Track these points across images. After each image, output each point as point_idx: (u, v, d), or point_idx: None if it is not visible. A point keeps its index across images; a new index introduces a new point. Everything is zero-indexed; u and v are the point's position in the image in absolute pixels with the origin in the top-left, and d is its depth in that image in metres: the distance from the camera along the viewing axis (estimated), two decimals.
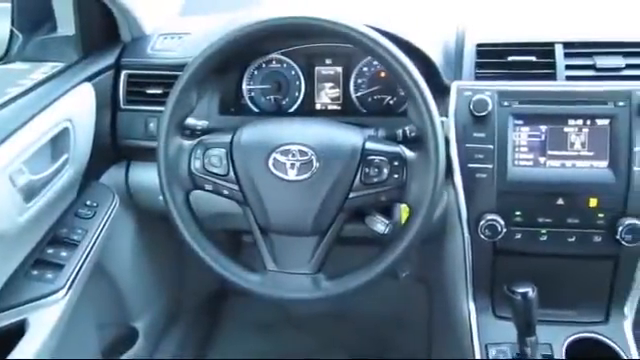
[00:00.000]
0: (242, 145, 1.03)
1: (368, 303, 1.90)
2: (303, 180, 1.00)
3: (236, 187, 1.03)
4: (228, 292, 1.97)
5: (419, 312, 1.83)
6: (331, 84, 1.34)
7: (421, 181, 0.98)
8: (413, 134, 1.06)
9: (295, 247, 1.03)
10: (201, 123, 1.15)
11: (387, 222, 1.07)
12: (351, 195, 1.00)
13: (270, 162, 1.00)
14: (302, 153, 0.99)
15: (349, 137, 1.02)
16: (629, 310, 1.21)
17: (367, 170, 1.00)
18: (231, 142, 1.03)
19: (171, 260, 1.65)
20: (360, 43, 0.96)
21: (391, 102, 1.32)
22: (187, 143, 1.06)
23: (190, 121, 1.13)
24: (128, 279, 1.47)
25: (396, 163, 1.00)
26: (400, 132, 1.09)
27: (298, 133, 1.02)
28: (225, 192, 1.04)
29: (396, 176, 0.99)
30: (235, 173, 1.03)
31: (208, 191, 1.05)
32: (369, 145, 1.01)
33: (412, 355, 1.74)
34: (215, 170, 1.03)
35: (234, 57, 1.24)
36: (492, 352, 1.16)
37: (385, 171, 0.99)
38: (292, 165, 0.99)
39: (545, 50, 1.16)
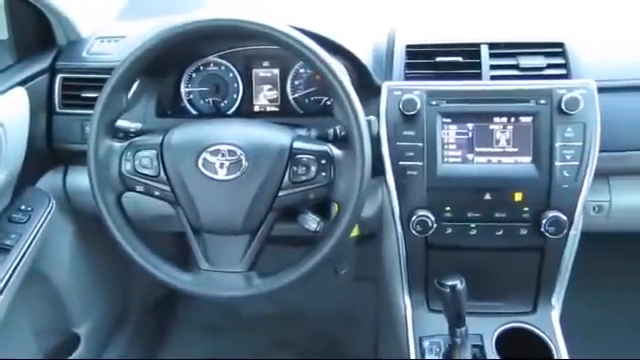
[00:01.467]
0: (172, 146, 1.04)
1: (318, 302, 1.93)
2: (233, 180, 1.01)
3: (167, 188, 1.04)
4: (177, 295, 1.97)
5: (367, 309, 1.85)
6: (269, 86, 1.36)
7: (348, 178, 1.00)
8: (343, 133, 1.09)
9: (227, 246, 1.04)
10: (134, 125, 1.15)
11: (319, 220, 1.09)
12: (280, 194, 1.02)
13: (200, 162, 1.01)
14: (231, 153, 1.01)
15: (277, 137, 1.04)
16: (556, 300, 1.26)
17: (295, 169, 1.02)
18: (161, 143, 1.04)
19: (115, 264, 1.64)
20: (285, 44, 0.98)
21: (328, 103, 1.34)
22: (118, 145, 1.06)
23: (123, 123, 1.13)
24: (68, 284, 1.45)
25: (323, 161, 1.02)
26: (331, 131, 1.12)
27: (227, 133, 1.03)
28: (156, 193, 1.05)
29: (324, 174, 1.02)
30: (166, 174, 1.03)
31: (139, 192, 1.06)
32: (297, 144, 1.03)
33: (359, 351, 1.76)
34: (146, 171, 1.04)
35: (169, 59, 1.26)
36: (426, 344, 1.20)
37: (313, 169, 1.01)
38: (221, 165, 1.01)
39: (471, 51, 1.21)
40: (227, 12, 1.01)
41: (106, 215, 1.05)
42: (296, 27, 1.01)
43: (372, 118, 1.08)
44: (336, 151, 1.03)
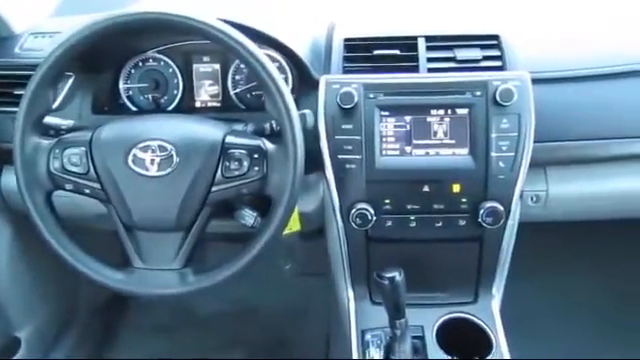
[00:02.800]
0: (101, 143, 1.01)
1: (270, 299, 1.92)
2: (164, 176, 0.99)
3: (97, 185, 1.02)
4: (126, 295, 1.94)
5: (318, 305, 1.85)
6: (210, 81, 1.34)
7: (281, 173, 1.00)
8: (278, 127, 1.08)
9: (160, 243, 1.03)
10: (66, 122, 1.13)
11: (255, 215, 1.08)
12: (213, 189, 1.01)
13: (130, 159, 1.00)
14: (162, 149, 0.99)
15: (209, 132, 1.03)
16: (496, 290, 1.28)
17: (228, 164, 1.01)
18: (90, 140, 1.02)
19: (58, 265, 1.60)
20: (213, 37, 0.97)
21: None
22: (45, 142, 1.04)
23: (54, 120, 1.11)
24: (6, 286, 1.41)
25: (256, 156, 1.01)
26: (267, 126, 1.11)
27: (157, 129, 1.01)
28: (87, 191, 1.03)
29: (257, 169, 1.01)
30: (95, 171, 1.01)
31: (69, 191, 1.04)
32: (229, 139, 1.02)
33: (311, 347, 1.76)
34: (75, 169, 1.02)
35: (104, 55, 1.24)
36: (367, 337, 1.20)
37: (245, 164, 1.01)
38: (152, 161, 0.99)
39: (409, 44, 1.21)
40: (157, 6, 1.00)
41: (34, 214, 1.02)
42: (226, 20, 1.00)
43: (307, 112, 1.08)
44: (269, 145, 1.02)
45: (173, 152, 0.99)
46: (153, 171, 0.99)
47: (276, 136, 1.05)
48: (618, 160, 1.26)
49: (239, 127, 1.12)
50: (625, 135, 1.23)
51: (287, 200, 0.99)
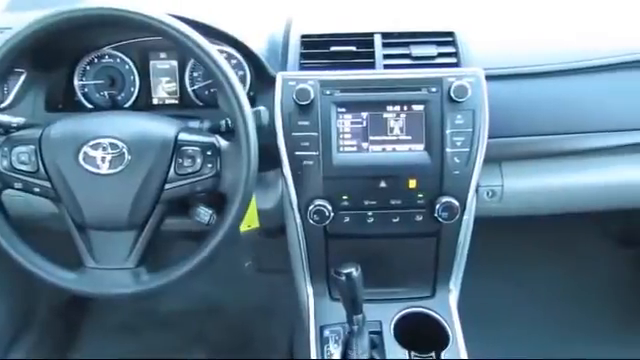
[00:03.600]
0: (51, 140, 1.00)
1: (234, 297, 1.92)
2: (115, 173, 0.98)
3: (47, 184, 1.00)
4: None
5: (283, 302, 1.85)
6: (167, 78, 1.33)
7: (234, 170, 0.99)
8: (233, 124, 1.08)
9: (113, 242, 1.02)
10: (17, 120, 1.10)
11: (211, 212, 1.08)
12: (166, 187, 1.00)
13: (80, 157, 0.98)
14: (113, 146, 0.98)
15: (161, 129, 1.02)
16: (454, 285, 1.29)
17: (181, 161, 1.00)
18: (40, 138, 1.00)
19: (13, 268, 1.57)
20: (164, 33, 0.96)
21: None
22: None
23: (4, 118, 1.08)
24: None
25: (209, 153, 1.01)
26: (223, 123, 1.10)
27: (109, 127, 1.00)
28: (36, 190, 1.01)
29: (210, 166, 1.00)
30: (45, 170, 1.00)
31: (19, 190, 1.02)
32: (182, 136, 1.01)
33: (275, 345, 1.76)
34: (24, 167, 1.00)
35: (57, 51, 1.22)
36: (326, 333, 1.21)
37: (198, 161, 1.00)
38: (103, 159, 0.98)
39: (365, 40, 1.22)
40: (110, 1, 0.98)
41: None
42: (178, 16, 0.99)
43: (261, 108, 1.08)
44: (223, 142, 1.02)
45: (125, 150, 0.98)
46: (104, 169, 0.98)
47: (231, 133, 1.05)
48: (572, 155, 1.28)
49: (195, 124, 1.11)
50: (579, 130, 1.25)
51: (241, 197, 0.99)
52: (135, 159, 0.98)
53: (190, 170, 1.00)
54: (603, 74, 1.25)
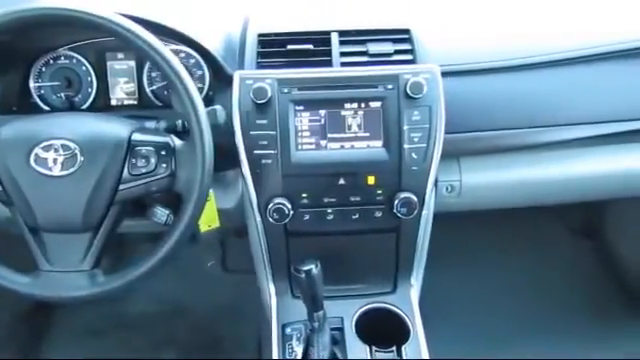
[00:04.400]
0: (1, 142, 0.98)
1: (202, 298, 1.91)
2: (68, 175, 0.97)
3: None
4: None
5: (252, 301, 1.85)
6: (125, 79, 1.31)
7: (189, 169, 0.99)
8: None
9: (68, 245, 1.01)
10: None
11: (168, 212, 1.07)
12: (121, 187, 1.00)
13: (32, 159, 0.97)
14: (65, 148, 0.97)
15: (114, 129, 1.01)
16: (415, 279, 1.31)
17: (135, 161, 1.00)
18: None
19: None
20: (114, 32, 0.96)
21: None
22: None
23: None
24: None
25: (163, 153, 1.00)
26: (180, 122, 1.10)
27: (61, 128, 0.99)
28: None
29: (164, 165, 1.00)
30: None
31: None
32: (136, 136, 1.01)
33: (244, 345, 1.76)
34: None
35: (9, 53, 1.20)
36: (288, 330, 1.21)
37: (153, 161, 1.00)
38: (55, 160, 0.97)
39: (322, 38, 1.22)
40: (59, 1, 0.97)
41: None
42: (130, 16, 0.99)
43: (217, 107, 1.08)
44: (177, 142, 1.02)
45: (77, 151, 0.97)
46: (57, 171, 0.97)
47: (187, 133, 1.04)
48: (529, 149, 1.31)
49: (151, 124, 1.11)
50: (535, 125, 1.27)
51: (196, 196, 0.98)
52: (88, 160, 0.97)
53: (144, 170, 1.00)
54: (558, 69, 1.27)
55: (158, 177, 1.00)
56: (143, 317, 1.87)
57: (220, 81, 1.21)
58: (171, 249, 1.00)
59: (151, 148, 1.00)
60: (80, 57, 1.29)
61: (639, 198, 1.63)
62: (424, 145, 1.15)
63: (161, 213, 1.07)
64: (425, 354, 1.18)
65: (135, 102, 1.32)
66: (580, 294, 1.93)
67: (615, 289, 1.95)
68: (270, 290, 1.28)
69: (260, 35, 1.22)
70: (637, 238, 1.89)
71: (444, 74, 1.18)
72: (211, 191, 1.24)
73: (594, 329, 1.81)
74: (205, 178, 0.98)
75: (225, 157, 1.15)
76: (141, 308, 1.87)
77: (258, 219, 1.20)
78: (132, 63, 1.31)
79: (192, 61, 1.24)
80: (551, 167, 1.34)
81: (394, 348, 1.19)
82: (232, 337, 1.82)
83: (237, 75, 1.16)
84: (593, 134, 1.27)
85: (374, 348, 1.18)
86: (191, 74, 1.20)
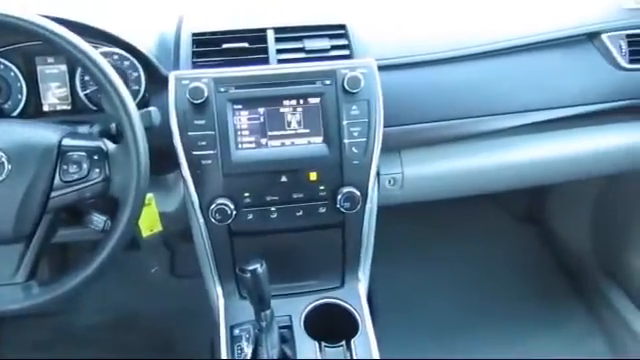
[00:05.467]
0: None
1: (152, 305, 1.87)
2: None
3: None
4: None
5: (204, 304, 1.83)
6: (57, 83, 1.27)
7: (124, 173, 0.97)
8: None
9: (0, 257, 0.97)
10: None
11: (105, 219, 1.04)
12: (52, 195, 0.96)
13: None
14: None
15: (43, 136, 0.98)
16: (362, 273, 1.31)
17: (66, 167, 0.97)
18: None
19: None
20: (36, 35, 0.93)
21: None
22: None
23: None
24: None
25: (96, 157, 0.98)
26: (114, 126, 1.07)
27: None
28: None
29: (98, 170, 0.97)
30: None
31: None
32: (66, 142, 0.98)
33: (197, 349, 1.73)
34: None
35: None
36: (236, 332, 1.20)
37: (85, 166, 0.97)
38: None
39: (258, 36, 1.21)
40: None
41: None
42: (55, 17, 0.96)
43: (152, 109, 1.05)
44: (110, 146, 0.99)
45: (4, 159, 0.93)
46: None
47: (122, 136, 1.02)
48: (468, 139, 1.33)
49: (84, 129, 1.08)
50: (472, 115, 1.30)
51: (133, 200, 0.96)
52: (16, 168, 0.94)
53: (77, 176, 0.97)
54: (491, 60, 1.31)
55: (91, 182, 0.97)
56: (92, 328, 1.82)
57: (156, 82, 1.18)
58: (109, 256, 0.97)
59: (83, 153, 0.97)
60: (7, 62, 1.25)
61: (576, 182, 1.69)
62: (364, 139, 1.16)
63: (98, 220, 1.04)
64: (374, 347, 1.19)
65: (68, 107, 1.28)
66: (526, 278, 1.98)
67: (558, 271, 2.01)
68: (217, 292, 1.27)
69: (194, 34, 1.21)
70: (577, 221, 1.95)
71: (381, 68, 1.18)
72: (151, 195, 1.22)
73: (540, 311, 1.86)
74: (141, 181, 0.96)
75: (164, 159, 1.13)
76: (90, 319, 1.83)
77: (201, 221, 1.19)
78: (63, 67, 1.27)
79: (126, 63, 1.21)
80: (490, 156, 1.37)
81: (343, 343, 1.19)
82: (184, 342, 1.80)
83: (172, 76, 1.14)
84: (528, 122, 1.30)
85: (323, 344, 1.19)
86: (126, 76, 1.19)
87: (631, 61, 1.34)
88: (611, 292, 1.81)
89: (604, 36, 1.33)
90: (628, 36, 1.34)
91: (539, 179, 1.49)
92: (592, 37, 1.34)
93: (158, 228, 1.23)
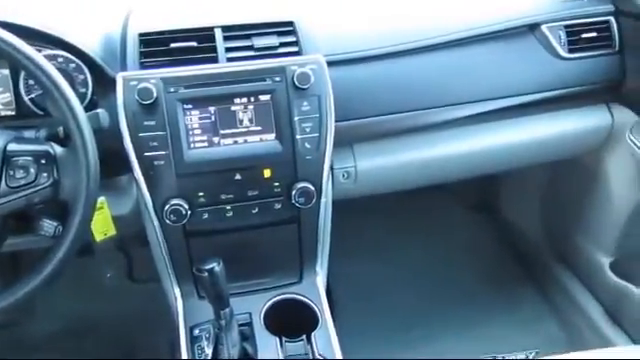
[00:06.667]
0: None
1: (112, 311, 1.84)
2: None
3: None
4: None
5: (162, 307, 1.82)
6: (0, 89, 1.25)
7: (73, 176, 0.96)
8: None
9: None
10: None
11: (56, 224, 1.02)
12: None
13: None
14: None
15: None
16: (320, 267, 1.33)
17: (12, 173, 0.95)
18: None
19: None
20: None
21: None
22: None
23: None
24: None
25: (44, 162, 0.96)
26: (61, 129, 1.05)
27: None
28: None
29: (45, 175, 0.96)
30: None
31: None
32: (11, 147, 0.96)
33: (158, 354, 1.71)
34: None
35: None
36: (196, 332, 1.20)
37: (32, 171, 0.95)
38: None
39: (206, 35, 1.21)
40: None
41: None
42: None
43: (99, 111, 1.04)
44: (58, 149, 0.98)
45: None
46: None
47: (70, 139, 1.01)
48: (419, 131, 1.36)
49: (30, 133, 1.06)
50: (422, 107, 1.32)
51: (83, 204, 0.95)
52: None
53: (24, 182, 0.95)
54: (440, 52, 1.34)
55: (40, 187, 0.96)
56: (52, 336, 1.77)
57: (103, 84, 1.17)
58: (62, 261, 0.96)
59: (29, 158, 0.95)
60: None
61: (525, 170, 1.74)
62: (316, 134, 1.17)
63: (48, 225, 1.02)
64: (334, 339, 1.20)
65: (12, 112, 1.25)
66: (481, 266, 2.03)
67: (512, 258, 2.07)
68: (175, 293, 1.26)
69: (141, 35, 1.19)
70: (528, 208, 2.01)
71: (330, 64, 1.20)
72: (103, 198, 1.20)
73: (496, 298, 1.91)
74: (91, 183, 0.95)
75: (116, 162, 1.12)
76: (49, 327, 1.78)
77: (155, 222, 1.18)
78: (6, 72, 1.23)
79: (72, 65, 1.19)
80: (440, 147, 1.40)
81: (304, 337, 1.20)
82: (145, 346, 1.77)
83: (120, 77, 1.13)
84: (474, 113, 1.34)
85: (284, 339, 1.19)
86: (72, 79, 1.16)
87: (570, 50, 1.39)
88: (563, 276, 1.87)
89: (544, 27, 1.38)
90: (566, 27, 1.39)
91: (488, 168, 1.53)
92: (533, 28, 1.39)
93: (112, 232, 1.21)
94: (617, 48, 1.43)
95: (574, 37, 1.39)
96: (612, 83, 1.44)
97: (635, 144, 1.42)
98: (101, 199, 1.20)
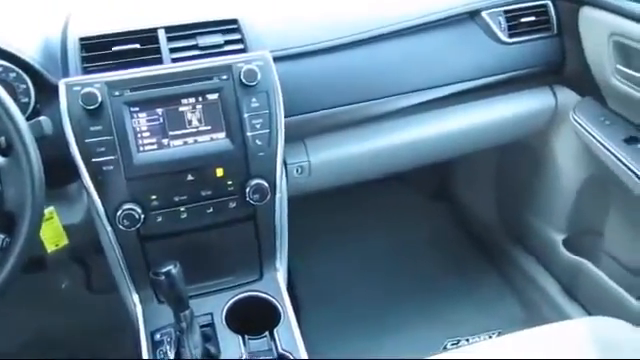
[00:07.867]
0: None
1: (75, 322, 1.81)
2: None
3: None
4: None
5: (123, 316, 1.79)
6: None
7: (18, 186, 0.93)
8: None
9: None
10: None
11: (2, 236, 0.99)
12: None
13: None
14: None
15: None
16: (280, 263, 1.33)
17: None
18: None
19: None
20: None
21: None
22: None
23: None
24: None
25: None
26: (2, 139, 1.03)
27: None
28: None
29: None
30: None
31: None
32: None
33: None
34: None
35: None
36: (157, 337, 1.18)
37: None
38: None
39: (149, 36, 1.19)
40: None
41: None
42: None
43: (42, 118, 1.02)
44: (0, 160, 0.95)
45: None
46: None
47: (9, 149, 0.98)
48: (367, 122, 1.37)
49: None
50: (371, 97, 1.34)
51: (30, 214, 0.93)
52: None
53: None
54: (385, 42, 1.35)
55: None
56: (14, 351, 1.72)
57: (46, 92, 1.14)
58: (10, 274, 0.93)
59: None
60: None
61: (476, 156, 1.78)
62: (267, 131, 1.17)
63: None
64: (297, 334, 1.20)
65: None
66: (441, 253, 2.07)
67: (470, 243, 2.11)
68: (134, 299, 1.25)
69: (82, 39, 1.17)
70: (482, 193, 2.06)
71: (276, 59, 1.20)
72: (52, 208, 1.18)
73: (457, 283, 1.94)
74: (36, 192, 0.93)
75: (63, 170, 1.10)
76: (10, 342, 1.73)
77: (109, 229, 1.16)
78: None
79: (13, 75, 1.16)
80: (391, 136, 1.42)
81: (266, 333, 1.20)
82: (110, 355, 1.74)
83: (62, 83, 1.10)
84: (421, 101, 1.36)
85: (247, 337, 1.19)
86: (13, 89, 1.14)
87: (510, 35, 1.43)
88: (520, 257, 1.91)
89: (484, 13, 1.41)
90: (506, 12, 1.43)
91: (438, 154, 1.56)
92: (473, 15, 1.42)
93: (64, 242, 1.19)
94: (556, 31, 1.47)
95: (514, 22, 1.43)
96: (553, 66, 1.49)
97: (579, 123, 1.46)
98: (50, 209, 1.18)
